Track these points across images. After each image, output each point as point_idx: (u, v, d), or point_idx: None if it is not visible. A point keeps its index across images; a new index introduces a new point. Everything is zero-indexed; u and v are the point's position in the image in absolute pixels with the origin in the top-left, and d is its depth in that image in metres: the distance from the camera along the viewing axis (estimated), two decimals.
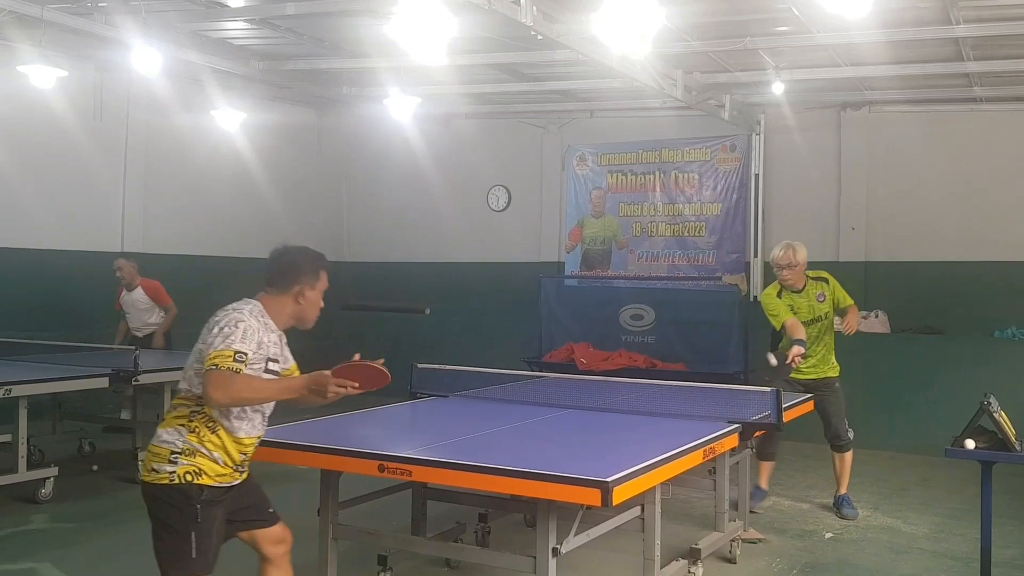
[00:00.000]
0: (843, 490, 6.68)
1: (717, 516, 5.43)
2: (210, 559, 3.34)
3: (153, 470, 3.33)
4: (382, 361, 3.57)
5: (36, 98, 8.90)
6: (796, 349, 5.86)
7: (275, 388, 3.42)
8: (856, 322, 6.42)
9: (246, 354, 3.28)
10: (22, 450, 6.52)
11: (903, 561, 5.65)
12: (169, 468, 3.30)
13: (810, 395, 6.17)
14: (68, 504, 6.63)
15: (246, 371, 3.28)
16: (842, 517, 6.54)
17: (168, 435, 3.36)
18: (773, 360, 5.86)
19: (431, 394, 5.90)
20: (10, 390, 6.28)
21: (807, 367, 6.38)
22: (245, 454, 3.48)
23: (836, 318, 6.54)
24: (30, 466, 6.66)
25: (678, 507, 6.38)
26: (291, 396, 3.45)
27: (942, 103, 9.85)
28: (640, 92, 9.55)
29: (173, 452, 3.32)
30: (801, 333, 6.04)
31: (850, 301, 6.50)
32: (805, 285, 6.40)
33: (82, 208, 10.14)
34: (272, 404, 3.55)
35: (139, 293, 8.90)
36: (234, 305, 3.43)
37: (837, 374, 6.58)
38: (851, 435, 6.64)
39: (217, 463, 3.36)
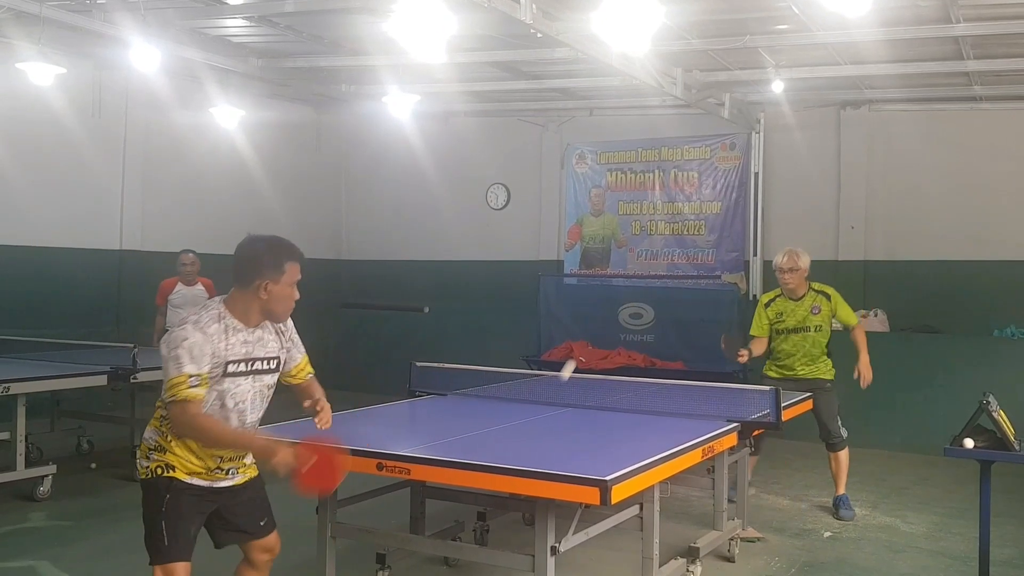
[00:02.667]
0: (841, 490, 6.64)
1: (716, 515, 5.43)
2: (183, 547, 3.36)
3: (138, 465, 3.48)
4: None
5: (35, 95, 8.89)
6: (744, 352, 6.21)
7: (231, 438, 3.41)
8: (868, 370, 6.44)
9: (200, 374, 3.24)
10: (20, 448, 6.52)
11: (901, 560, 5.65)
12: (145, 463, 3.42)
13: (808, 395, 6.16)
14: (66, 502, 6.62)
15: (203, 392, 3.27)
16: (838, 518, 6.50)
17: (149, 433, 3.45)
18: (723, 344, 6.31)
19: (430, 392, 5.90)
20: (8, 388, 6.28)
21: (797, 364, 6.49)
22: (221, 457, 3.42)
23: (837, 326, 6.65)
24: (28, 464, 6.67)
25: (677, 506, 6.38)
26: (246, 451, 3.48)
27: (942, 102, 9.84)
28: (640, 90, 9.54)
29: (149, 449, 3.42)
30: (757, 348, 6.45)
31: (854, 320, 6.57)
32: (805, 294, 6.48)
33: (80, 206, 10.13)
34: (255, 409, 3.49)
35: (200, 289, 8.74)
36: (185, 316, 3.38)
37: (830, 377, 6.54)
38: (845, 433, 6.59)
39: (188, 463, 3.38)
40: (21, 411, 6.52)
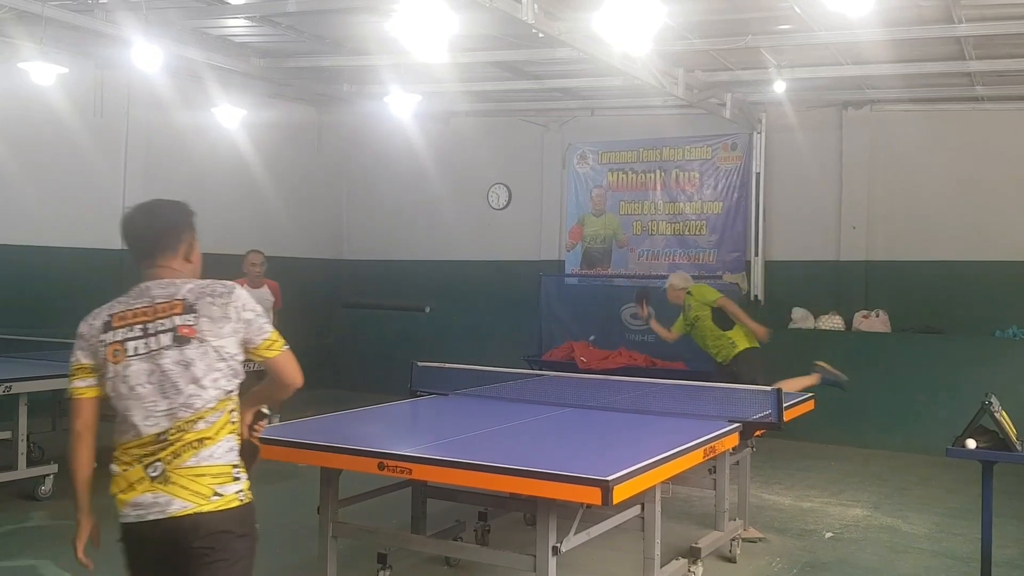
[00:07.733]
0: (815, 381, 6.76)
1: (717, 515, 5.43)
2: None
3: (216, 494, 2.64)
4: None
5: (36, 95, 8.88)
6: (646, 313, 8.10)
7: None
8: (737, 310, 7.50)
9: None
10: (22, 447, 6.52)
11: (903, 560, 5.65)
12: (234, 488, 2.69)
13: (810, 395, 6.19)
14: (68, 501, 6.52)
15: None
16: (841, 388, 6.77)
17: (222, 447, 2.71)
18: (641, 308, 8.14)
19: (431, 392, 5.89)
20: (10, 387, 6.28)
21: (714, 349, 7.47)
22: None
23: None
24: (30, 463, 6.66)
25: (678, 506, 6.39)
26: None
27: (944, 102, 9.83)
28: (641, 90, 9.53)
29: (235, 466, 2.72)
30: (670, 333, 7.94)
31: (714, 295, 7.49)
32: (683, 302, 7.70)
33: (82, 205, 10.12)
34: None
35: (266, 292, 8.40)
36: (227, 283, 3.04)
37: (741, 348, 7.23)
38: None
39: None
40: (23, 410, 6.52)
